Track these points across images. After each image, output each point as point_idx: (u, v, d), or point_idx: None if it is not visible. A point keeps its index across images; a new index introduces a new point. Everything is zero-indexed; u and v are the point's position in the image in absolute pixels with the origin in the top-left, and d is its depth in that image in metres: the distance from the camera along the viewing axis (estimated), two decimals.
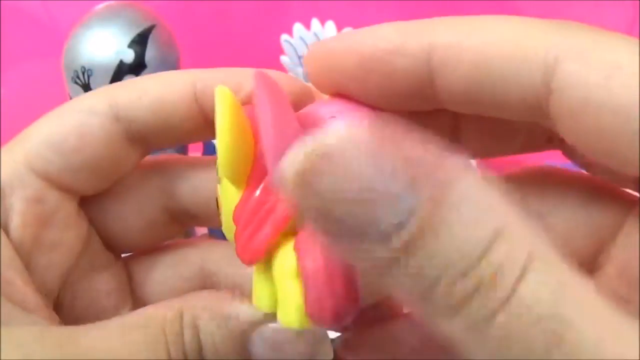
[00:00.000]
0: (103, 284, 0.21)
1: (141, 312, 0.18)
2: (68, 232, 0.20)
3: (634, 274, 0.15)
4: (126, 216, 0.21)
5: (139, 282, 0.22)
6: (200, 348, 0.17)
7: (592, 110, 0.13)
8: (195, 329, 0.17)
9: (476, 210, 0.11)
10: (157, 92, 0.20)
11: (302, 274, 0.15)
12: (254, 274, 0.18)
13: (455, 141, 0.19)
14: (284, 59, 0.56)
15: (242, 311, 0.17)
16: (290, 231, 0.16)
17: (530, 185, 0.18)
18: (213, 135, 0.17)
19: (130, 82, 0.21)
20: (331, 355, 0.18)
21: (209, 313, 0.17)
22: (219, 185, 0.18)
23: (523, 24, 0.15)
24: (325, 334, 0.18)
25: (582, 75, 0.14)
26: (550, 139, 0.18)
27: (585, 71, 0.14)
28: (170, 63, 0.47)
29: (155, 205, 0.21)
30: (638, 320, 0.12)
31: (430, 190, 0.11)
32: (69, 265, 0.20)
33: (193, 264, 0.22)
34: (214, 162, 0.20)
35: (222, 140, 0.16)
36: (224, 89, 0.16)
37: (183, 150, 0.53)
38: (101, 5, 0.49)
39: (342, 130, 0.11)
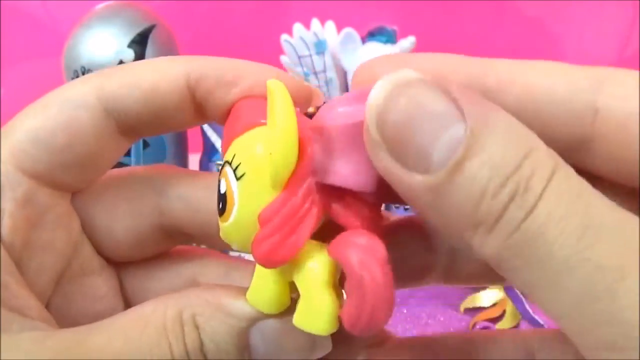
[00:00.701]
0: (94, 288, 0.21)
1: (139, 310, 0.17)
2: (59, 232, 0.19)
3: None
4: (117, 230, 0.21)
5: (130, 290, 0.22)
6: (201, 345, 0.17)
7: (637, 120, 0.15)
8: (196, 326, 0.17)
9: (509, 135, 0.14)
10: (149, 82, 0.19)
11: (357, 285, 0.15)
12: (256, 274, 0.18)
13: None
14: (284, 59, 0.56)
15: (241, 307, 0.17)
16: (312, 237, 0.16)
17: None
18: (203, 122, 0.20)
19: (120, 69, 0.20)
20: (330, 348, 0.18)
21: (208, 310, 0.17)
22: (233, 183, 0.17)
23: (566, 64, 0.17)
24: None
25: (626, 94, 0.16)
26: None
27: (625, 90, 0.16)
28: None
29: (148, 222, 0.21)
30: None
31: (474, 119, 0.14)
32: (61, 268, 0.20)
33: (186, 276, 0.22)
34: (211, 177, 0.21)
35: (287, 136, 0.16)
36: (278, 83, 0.16)
37: (182, 160, 0.53)
38: (101, 5, 0.49)
39: (413, 71, 0.15)
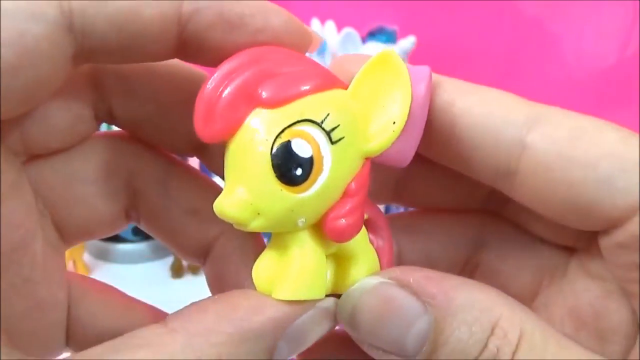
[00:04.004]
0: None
1: (145, 337, 0.15)
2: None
3: (579, 317, 0.18)
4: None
5: (48, 186, 0.18)
6: None
7: (562, 163, 0.16)
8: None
9: (471, 315, 0.16)
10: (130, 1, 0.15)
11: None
12: (267, 255, 0.16)
13: (403, 188, 0.21)
14: None
15: (264, 323, 0.16)
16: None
17: (486, 231, 0.21)
18: (181, 60, 0.17)
19: None
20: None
21: (233, 348, 0.15)
22: (325, 148, 0.15)
23: (509, 95, 0.17)
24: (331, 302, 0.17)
25: (555, 135, 0.16)
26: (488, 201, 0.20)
27: (557, 132, 0.16)
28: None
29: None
30: (624, 324, 0.17)
31: (436, 308, 0.16)
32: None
33: (117, 173, 0.19)
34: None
35: (407, 109, 0.16)
36: (393, 52, 0.16)
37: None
38: None
39: (372, 284, 0.16)
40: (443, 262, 0.20)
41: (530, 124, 0.17)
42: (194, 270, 0.56)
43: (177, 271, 0.56)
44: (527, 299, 0.19)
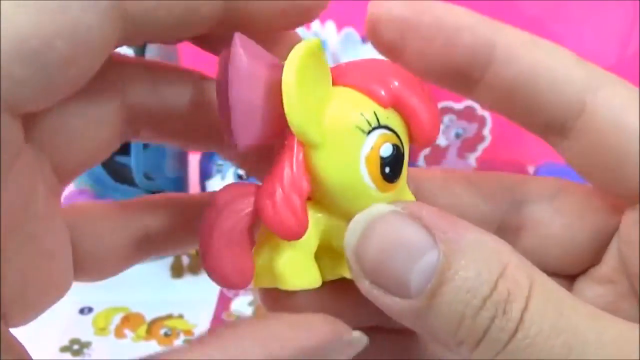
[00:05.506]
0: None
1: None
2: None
3: (633, 267, 0.17)
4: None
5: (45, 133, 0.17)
6: None
7: (615, 131, 0.16)
8: None
9: (482, 255, 0.15)
10: None
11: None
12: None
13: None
14: None
15: (294, 353, 0.15)
16: None
17: (533, 192, 0.20)
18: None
19: None
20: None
21: None
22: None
23: (572, 55, 0.17)
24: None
25: (613, 102, 0.16)
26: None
27: (616, 99, 0.16)
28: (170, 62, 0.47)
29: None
30: (638, 322, 0.15)
31: (446, 244, 0.15)
32: None
33: (107, 96, 0.18)
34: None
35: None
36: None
37: (181, 160, 0.53)
38: None
39: (384, 211, 0.16)
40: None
41: (592, 86, 0.17)
42: (194, 270, 0.56)
43: (177, 271, 0.56)
44: None
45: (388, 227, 0.15)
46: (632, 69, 0.57)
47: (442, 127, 0.57)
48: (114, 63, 0.18)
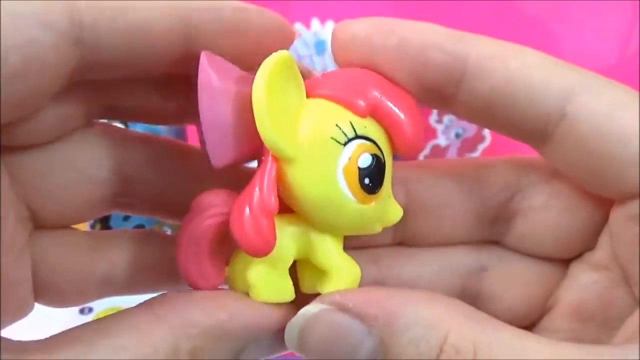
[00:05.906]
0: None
1: (130, 322, 0.16)
2: None
3: (586, 310, 0.18)
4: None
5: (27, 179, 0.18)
6: None
7: (597, 137, 0.16)
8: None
9: (419, 329, 0.15)
10: (140, 15, 0.15)
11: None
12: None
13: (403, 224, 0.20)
14: None
15: (241, 326, 0.17)
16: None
17: (528, 177, 0.20)
18: (193, 72, 0.17)
19: None
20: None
21: (208, 342, 0.16)
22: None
23: (548, 58, 0.18)
24: None
25: (594, 107, 0.17)
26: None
27: (597, 105, 0.17)
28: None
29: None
30: (631, 310, 0.16)
31: (380, 328, 0.15)
32: None
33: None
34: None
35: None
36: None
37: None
38: None
39: (313, 312, 0.16)
40: (437, 289, 0.20)
41: (571, 93, 0.17)
42: None
43: None
44: (536, 313, 0.19)
45: (321, 326, 0.16)
46: (632, 69, 0.57)
47: (442, 127, 0.57)
48: (107, 136, 0.19)
